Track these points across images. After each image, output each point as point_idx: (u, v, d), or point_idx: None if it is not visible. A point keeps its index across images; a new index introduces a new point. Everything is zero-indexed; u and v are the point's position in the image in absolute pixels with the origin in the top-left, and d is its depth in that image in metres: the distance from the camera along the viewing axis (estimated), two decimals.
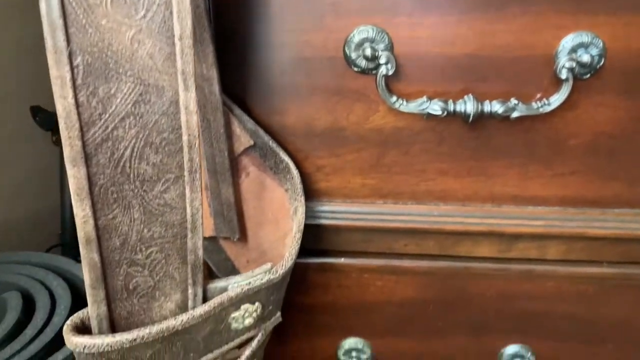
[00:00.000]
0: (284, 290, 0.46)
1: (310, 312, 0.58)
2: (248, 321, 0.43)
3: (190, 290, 0.40)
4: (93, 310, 0.37)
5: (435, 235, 0.53)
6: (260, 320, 0.45)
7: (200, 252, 0.38)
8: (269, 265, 0.43)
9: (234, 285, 0.41)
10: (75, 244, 0.41)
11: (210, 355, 0.44)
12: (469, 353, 0.59)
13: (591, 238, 0.51)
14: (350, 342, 0.59)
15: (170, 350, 0.40)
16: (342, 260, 0.54)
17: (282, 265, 0.43)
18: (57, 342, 0.56)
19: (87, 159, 0.32)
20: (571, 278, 0.54)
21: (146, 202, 0.35)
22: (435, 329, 0.58)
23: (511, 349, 0.59)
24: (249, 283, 0.41)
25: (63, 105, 0.30)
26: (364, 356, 0.59)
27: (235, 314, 0.42)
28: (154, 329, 0.38)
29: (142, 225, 0.36)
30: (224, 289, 0.41)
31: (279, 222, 0.50)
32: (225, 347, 0.44)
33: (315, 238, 0.53)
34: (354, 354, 0.59)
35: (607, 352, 0.59)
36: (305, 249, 0.54)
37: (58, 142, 0.79)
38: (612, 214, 0.51)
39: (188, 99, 0.33)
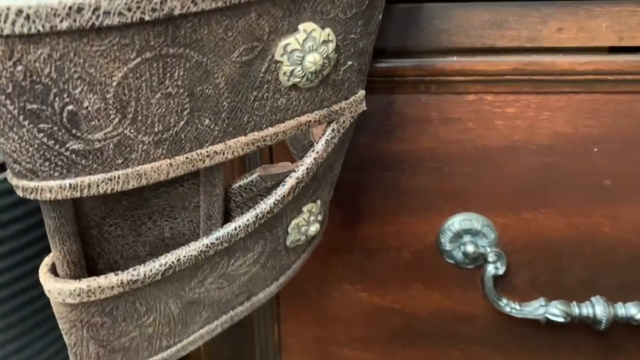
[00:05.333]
0: (374, 37, 0.25)
1: (396, 170, 0.37)
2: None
3: None
4: None
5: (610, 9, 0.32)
6: (331, 80, 0.24)
7: None
8: None
9: None
10: None
11: (250, 136, 0.23)
12: None
13: None
14: (460, 221, 0.37)
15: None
16: (455, 59, 0.33)
17: None
18: None
19: None
20: None
21: None
22: (601, 189, 0.36)
23: None
24: None
25: None
26: (483, 242, 0.37)
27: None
28: None
29: None
30: None
31: None
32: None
33: (410, 26, 0.33)
34: (466, 239, 0.37)
35: None
36: (392, 49, 0.33)
37: None
38: None
39: None
